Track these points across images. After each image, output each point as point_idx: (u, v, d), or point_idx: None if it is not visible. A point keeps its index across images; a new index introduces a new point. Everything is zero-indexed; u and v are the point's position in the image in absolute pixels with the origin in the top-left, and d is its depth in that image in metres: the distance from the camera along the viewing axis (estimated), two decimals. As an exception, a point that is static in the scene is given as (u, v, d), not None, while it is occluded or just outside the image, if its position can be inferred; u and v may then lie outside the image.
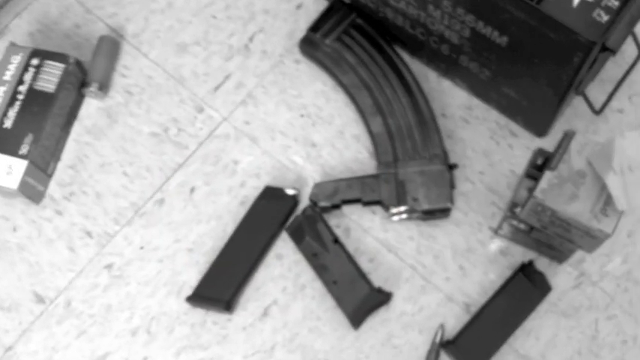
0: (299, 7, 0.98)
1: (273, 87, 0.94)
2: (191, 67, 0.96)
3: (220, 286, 0.84)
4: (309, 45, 0.94)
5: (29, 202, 0.90)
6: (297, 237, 0.86)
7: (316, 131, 0.92)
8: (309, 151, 0.91)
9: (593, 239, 0.75)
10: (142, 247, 0.88)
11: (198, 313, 0.86)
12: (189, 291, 0.86)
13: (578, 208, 0.73)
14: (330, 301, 0.85)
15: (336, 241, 0.85)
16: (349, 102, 0.93)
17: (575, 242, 0.78)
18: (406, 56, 0.93)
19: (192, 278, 0.87)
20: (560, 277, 0.86)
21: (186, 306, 0.86)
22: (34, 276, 0.87)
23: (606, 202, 0.73)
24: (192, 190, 0.90)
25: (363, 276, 0.84)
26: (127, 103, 0.94)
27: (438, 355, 0.83)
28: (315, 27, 0.94)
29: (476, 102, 0.93)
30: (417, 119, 0.89)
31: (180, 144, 0.92)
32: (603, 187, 0.73)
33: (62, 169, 0.91)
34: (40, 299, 0.87)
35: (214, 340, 0.85)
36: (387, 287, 0.85)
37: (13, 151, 0.87)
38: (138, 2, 0.99)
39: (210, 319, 0.85)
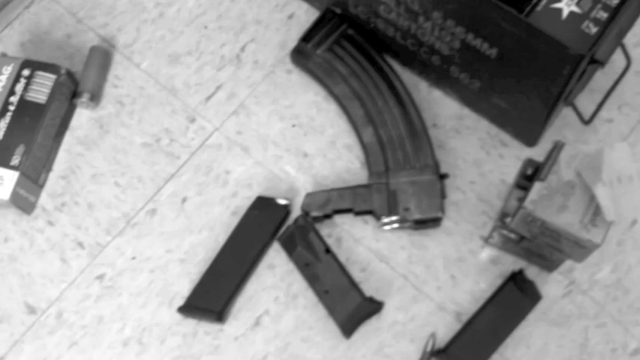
0: (290, 17, 0.98)
1: (265, 97, 0.95)
2: (183, 77, 0.96)
3: (212, 297, 0.84)
4: (301, 55, 0.94)
5: (21, 213, 0.90)
6: (289, 247, 0.86)
7: (308, 141, 0.93)
8: (300, 161, 0.92)
9: (582, 249, 0.76)
10: (133, 258, 0.88)
11: (190, 324, 0.86)
12: (181, 301, 0.86)
13: (567, 219, 0.74)
14: (322, 311, 0.85)
15: (328, 250, 0.86)
16: (341, 112, 0.93)
17: (564, 252, 0.78)
18: (397, 67, 0.94)
19: (184, 289, 0.87)
20: (551, 285, 0.86)
21: (178, 316, 0.86)
22: (25, 287, 0.87)
23: (595, 212, 0.74)
24: (184, 200, 0.91)
25: (354, 285, 0.84)
26: (119, 114, 0.94)
27: (429, 364, 0.83)
28: (306, 37, 0.94)
29: (466, 112, 0.93)
30: (409, 129, 0.90)
31: (172, 154, 0.93)
32: (592, 198, 0.74)
33: (54, 180, 0.91)
34: (31, 310, 0.86)
35: (206, 350, 0.85)
36: (378, 297, 0.86)
37: (4, 162, 0.87)
38: (129, 12, 0.99)
39: (202, 329, 0.85)
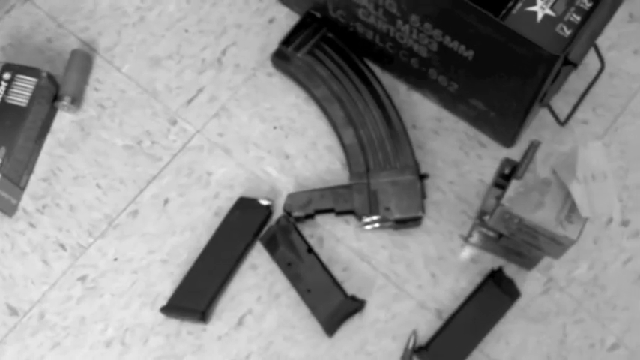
0: (271, 21, 1.00)
1: (246, 100, 0.96)
2: (164, 80, 0.96)
3: (195, 296, 0.85)
4: (282, 58, 0.95)
5: (2, 215, 0.89)
6: (272, 247, 0.87)
7: (289, 143, 0.93)
8: (282, 162, 0.93)
9: (559, 245, 0.77)
10: (115, 259, 0.88)
11: (173, 324, 0.86)
12: (163, 302, 0.86)
13: (544, 216, 0.75)
14: (304, 310, 0.86)
15: (310, 250, 0.86)
16: (321, 114, 0.94)
17: (542, 249, 0.80)
18: (377, 69, 0.95)
19: (166, 289, 0.87)
20: (529, 283, 0.87)
21: (161, 316, 0.86)
22: (7, 289, 0.87)
23: (571, 209, 0.75)
24: (166, 201, 0.91)
25: (336, 284, 0.85)
26: (100, 117, 0.95)
27: (410, 361, 0.84)
28: (286, 41, 0.95)
29: (445, 114, 0.95)
30: (389, 131, 0.91)
31: (153, 156, 0.93)
32: (568, 196, 0.75)
33: (35, 182, 0.91)
34: (13, 311, 0.86)
35: (189, 349, 0.85)
36: (360, 295, 0.86)
37: (-15, 164, 0.87)
38: (110, 16, 1.00)
39: (185, 329, 0.86)
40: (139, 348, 0.85)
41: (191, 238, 0.89)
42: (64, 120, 0.95)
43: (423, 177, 0.89)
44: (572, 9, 0.77)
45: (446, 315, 0.86)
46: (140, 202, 0.91)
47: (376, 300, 0.87)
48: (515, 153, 0.91)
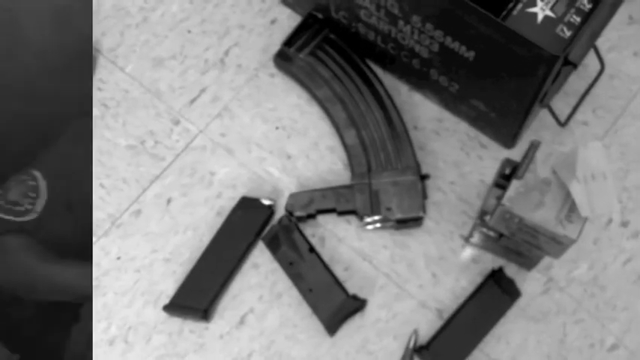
0: (273, 22, 1.00)
1: (248, 100, 0.96)
2: (167, 80, 0.97)
3: (197, 295, 0.85)
4: (284, 59, 0.96)
5: (6, 214, 0.90)
6: (273, 246, 0.88)
7: (291, 143, 0.94)
8: (284, 162, 0.93)
9: (559, 245, 0.77)
10: (118, 258, 0.89)
11: (176, 322, 0.86)
12: (166, 300, 0.87)
13: (544, 215, 0.76)
14: (306, 309, 0.86)
15: (312, 250, 0.87)
16: (323, 115, 0.95)
17: (542, 248, 0.80)
18: (378, 70, 0.96)
19: (169, 288, 0.87)
20: (529, 283, 0.88)
21: (164, 315, 0.86)
22: (11, 287, 0.87)
23: (571, 209, 0.76)
24: (169, 201, 0.92)
25: (338, 284, 0.86)
26: (104, 117, 0.95)
27: (411, 360, 0.85)
28: (289, 41, 0.96)
29: (446, 115, 0.95)
30: (390, 131, 0.91)
31: (156, 156, 0.93)
32: (568, 195, 0.76)
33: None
34: (17, 310, 0.87)
35: (191, 348, 0.85)
36: (361, 295, 0.87)
37: (-11, 164, 0.87)
38: (113, 17, 1.00)
39: (187, 327, 0.86)
40: (141, 346, 0.85)
41: (194, 237, 0.90)
42: (67, 120, 0.95)
43: (424, 177, 0.90)
44: (573, 10, 0.77)
45: (446, 315, 0.86)
46: (143, 202, 0.91)
47: (377, 299, 0.87)
48: (515, 153, 0.92)
